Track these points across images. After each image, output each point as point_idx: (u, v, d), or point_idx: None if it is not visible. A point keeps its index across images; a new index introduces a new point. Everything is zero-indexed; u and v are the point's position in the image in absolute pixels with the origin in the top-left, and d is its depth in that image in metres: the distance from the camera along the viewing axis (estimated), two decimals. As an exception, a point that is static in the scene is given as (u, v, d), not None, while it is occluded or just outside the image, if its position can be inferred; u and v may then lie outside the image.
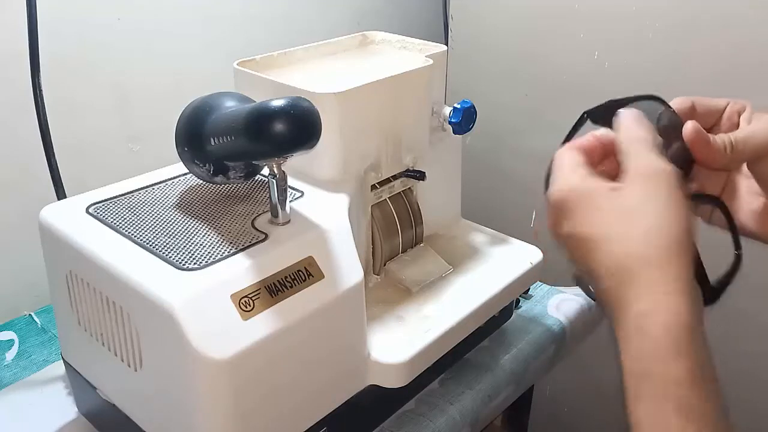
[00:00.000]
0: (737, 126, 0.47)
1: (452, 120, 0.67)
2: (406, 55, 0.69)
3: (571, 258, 0.42)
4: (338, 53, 0.72)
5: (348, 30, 0.79)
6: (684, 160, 0.44)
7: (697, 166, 0.45)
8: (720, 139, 0.44)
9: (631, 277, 0.37)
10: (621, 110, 0.44)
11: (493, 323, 0.71)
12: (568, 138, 0.47)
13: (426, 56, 0.65)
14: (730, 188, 0.48)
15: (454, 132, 0.67)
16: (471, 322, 0.63)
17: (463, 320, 0.61)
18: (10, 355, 0.73)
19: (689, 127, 0.44)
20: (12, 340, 0.75)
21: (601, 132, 0.46)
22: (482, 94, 1.04)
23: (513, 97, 1.03)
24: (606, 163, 0.46)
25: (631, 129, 0.43)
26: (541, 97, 1.00)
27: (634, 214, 0.39)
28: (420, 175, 0.65)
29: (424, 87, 0.64)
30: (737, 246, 0.44)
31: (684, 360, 0.35)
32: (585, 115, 0.47)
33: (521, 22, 0.99)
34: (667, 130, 0.44)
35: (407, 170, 0.65)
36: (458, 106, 0.66)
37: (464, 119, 0.67)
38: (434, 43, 0.70)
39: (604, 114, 0.45)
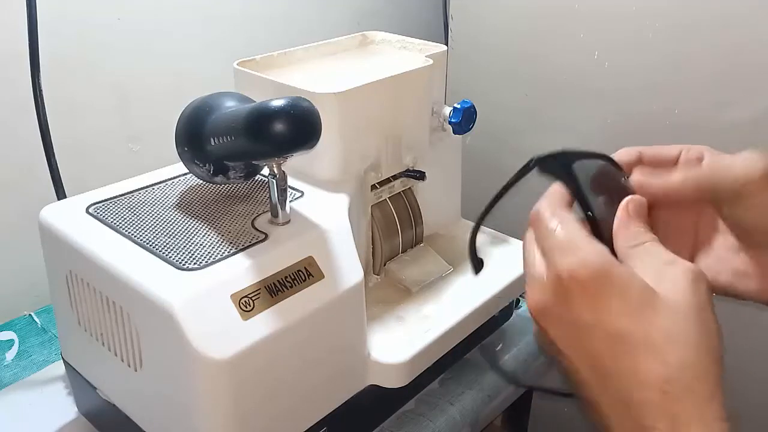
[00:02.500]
0: None
1: (452, 120, 0.67)
2: (406, 55, 0.69)
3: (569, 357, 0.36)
4: (338, 53, 0.72)
5: (348, 30, 0.79)
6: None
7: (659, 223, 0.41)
8: (678, 172, 0.41)
9: (681, 397, 0.32)
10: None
11: (493, 323, 0.71)
12: (509, 184, 0.42)
13: (426, 56, 0.65)
14: (702, 248, 0.43)
15: (454, 132, 0.67)
16: (471, 322, 0.62)
17: (463, 320, 0.61)
18: (10, 355, 0.73)
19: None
20: (12, 340, 0.75)
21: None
22: (482, 94, 1.04)
23: (513, 97, 1.03)
24: None
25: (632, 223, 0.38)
26: (541, 97, 1.00)
27: (683, 329, 0.33)
28: (420, 175, 0.65)
29: (424, 87, 0.64)
30: None
31: None
32: (531, 163, 0.41)
33: (521, 22, 0.99)
34: (609, 188, 0.40)
35: (407, 170, 0.65)
36: (458, 106, 0.66)
37: (464, 119, 0.67)
38: (434, 43, 0.70)
39: (553, 165, 0.40)
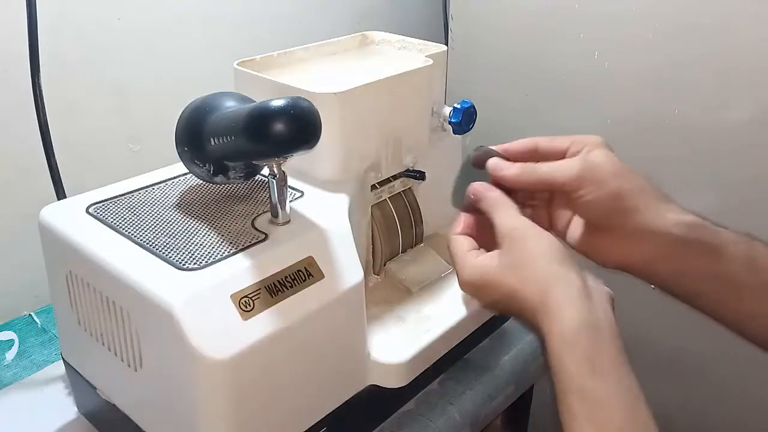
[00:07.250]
0: None
1: (452, 120, 0.67)
2: (406, 55, 0.69)
3: (508, 314, 0.48)
4: (338, 53, 0.72)
5: (348, 30, 0.79)
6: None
7: None
8: (516, 167, 0.50)
9: (544, 298, 0.43)
10: (473, 184, 0.51)
11: (493, 323, 0.71)
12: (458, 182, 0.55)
13: (426, 56, 0.65)
14: (558, 226, 0.53)
15: (454, 132, 0.67)
16: (471, 322, 0.63)
17: (463, 320, 0.61)
18: (10, 355, 0.73)
19: (491, 162, 0.51)
20: (12, 340, 0.75)
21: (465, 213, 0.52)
22: (482, 94, 1.04)
23: (513, 97, 1.03)
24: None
25: (487, 197, 0.50)
26: (541, 97, 1.00)
27: (521, 261, 0.45)
28: (420, 175, 0.65)
29: (424, 87, 0.64)
30: None
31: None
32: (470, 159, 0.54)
33: (521, 22, 0.99)
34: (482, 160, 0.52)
35: (407, 170, 0.65)
36: (458, 106, 0.66)
37: (464, 119, 0.66)
38: (434, 43, 0.70)
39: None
